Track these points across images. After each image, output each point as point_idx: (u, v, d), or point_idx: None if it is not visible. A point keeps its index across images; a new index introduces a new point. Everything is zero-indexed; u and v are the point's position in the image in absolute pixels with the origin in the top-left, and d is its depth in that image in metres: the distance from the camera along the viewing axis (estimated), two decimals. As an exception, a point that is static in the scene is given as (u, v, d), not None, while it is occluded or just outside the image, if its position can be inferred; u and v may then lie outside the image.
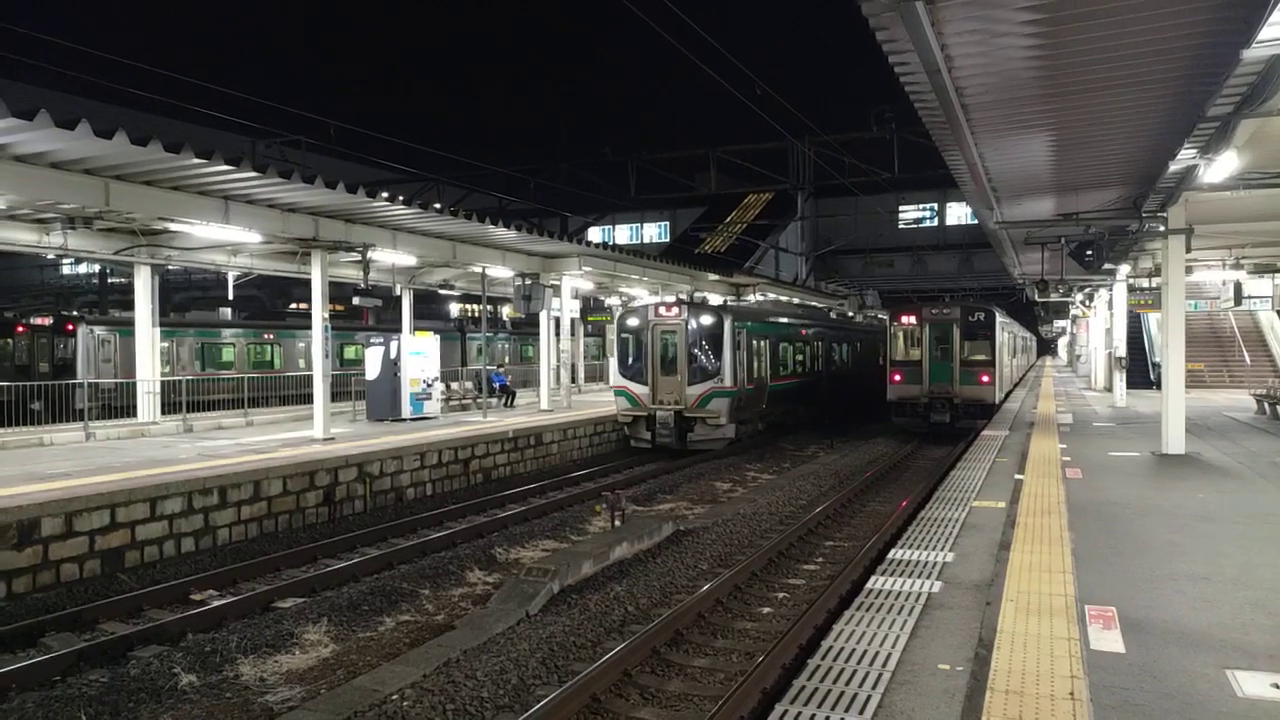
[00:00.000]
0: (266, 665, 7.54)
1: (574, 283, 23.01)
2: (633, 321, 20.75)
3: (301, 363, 28.04)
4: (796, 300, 34.54)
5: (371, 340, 19.95)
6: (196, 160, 10.88)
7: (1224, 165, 9.91)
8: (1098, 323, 33.20)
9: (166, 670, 7.31)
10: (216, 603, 9.22)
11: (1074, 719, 4.27)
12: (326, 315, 15.66)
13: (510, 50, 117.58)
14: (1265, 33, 6.51)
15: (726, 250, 43.38)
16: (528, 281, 21.10)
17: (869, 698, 4.60)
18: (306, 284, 16.39)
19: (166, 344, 23.68)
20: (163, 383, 18.17)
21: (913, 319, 23.70)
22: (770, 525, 12.86)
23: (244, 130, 32.55)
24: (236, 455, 13.49)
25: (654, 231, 56.10)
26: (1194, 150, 10.50)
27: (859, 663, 5.10)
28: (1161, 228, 14.17)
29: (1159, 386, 15.41)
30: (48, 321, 25.41)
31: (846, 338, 31.96)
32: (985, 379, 22.96)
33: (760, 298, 30.82)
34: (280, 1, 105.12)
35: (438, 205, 16.55)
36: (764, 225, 47.24)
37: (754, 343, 21.50)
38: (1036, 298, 31.59)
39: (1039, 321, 62.49)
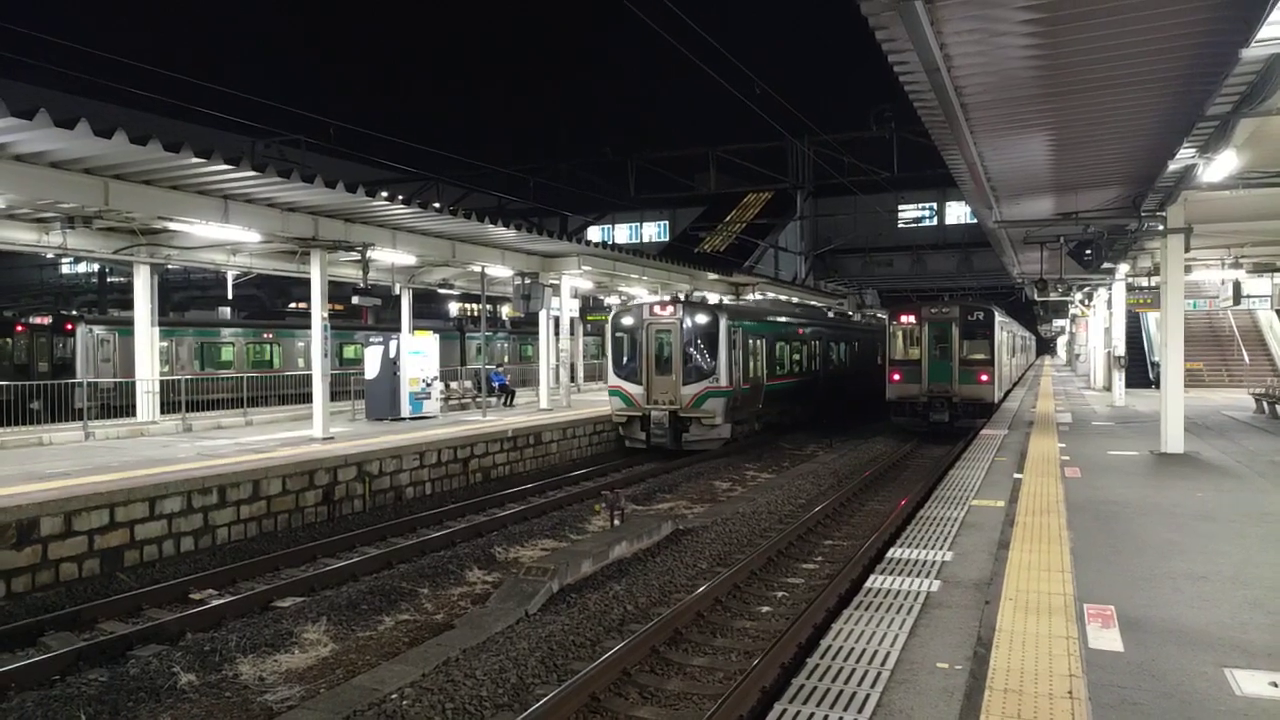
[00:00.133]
0: (266, 664, 7.54)
1: (573, 282, 23.01)
2: (627, 320, 20.58)
3: (301, 362, 28.03)
4: (795, 299, 34.55)
5: (371, 340, 19.95)
6: (196, 159, 10.88)
7: (1223, 164, 9.91)
8: (1097, 322, 33.22)
9: (166, 669, 7.30)
10: (216, 602, 9.22)
11: (1073, 717, 4.27)
12: (326, 315, 15.65)
13: (510, 50, 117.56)
14: (1264, 32, 6.51)
15: (726, 250, 43.38)
16: (527, 281, 21.09)
17: (868, 696, 4.60)
18: (306, 283, 16.39)
19: (165, 343, 23.67)
20: (162, 382, 18.17)
21: (912, 318, 23.69)
22: (769, 524, 12.87)
23: (244, 130, 32.52)
24: (235, 455, 13.49)
25: (653, 231, 56.10)
26: (1193, 149, 10.50)
27: (858, 661, 5.10)
28: (1160, 227, 14.17)
29: (1158, 385, 15.42)
30: (47, 321, 25.38)
31: (844, 337, 31.88)
32: (984, 378, 22.96)
33: (759, 297, 30.82)
34: (280, 1, 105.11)
35: (437, 205, 16.57)
36: (763, 225, 47.24)
37: (750, 342, 21.38)
38: (1035, 297, 31.65)
39: (1038, 321, 62.48)
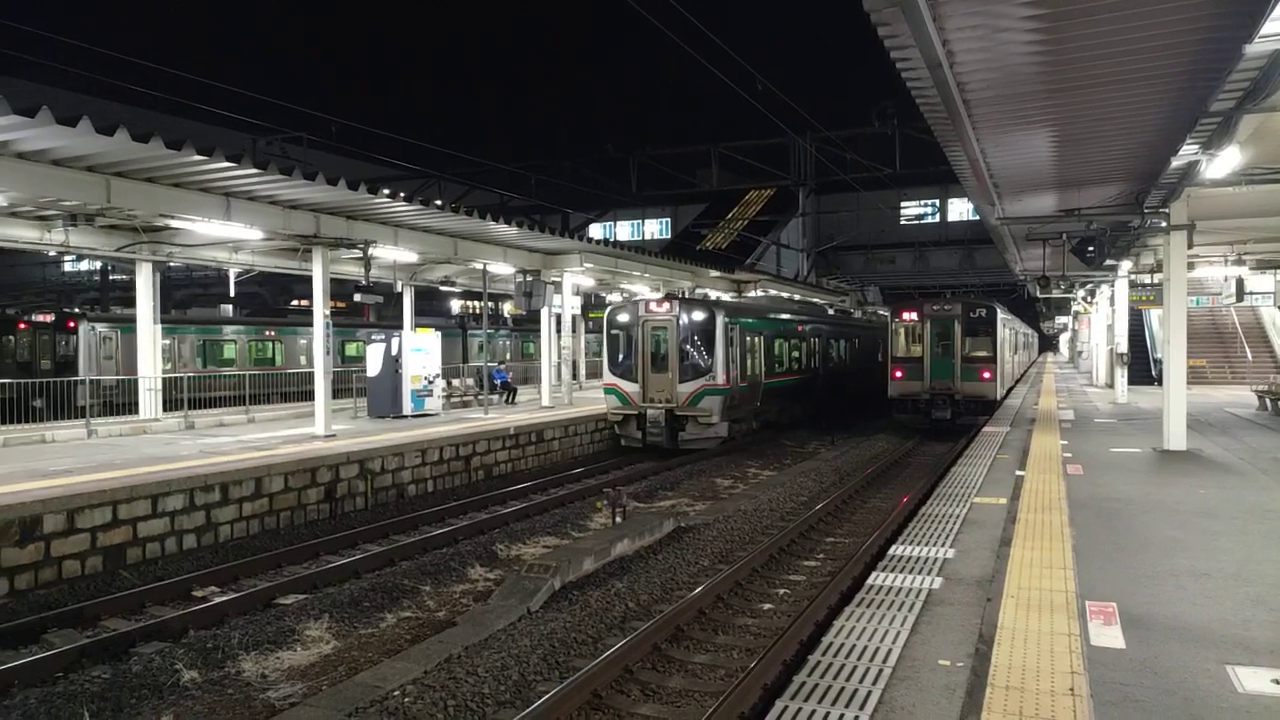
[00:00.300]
0: (268, 661, 7.55)
1: (575, 279, 23.00)
2: (623, 317, 20.33)
3: (303, 360, 28.05)
4: (798, 296, 34.52)
5: (373, 337, 19.95)
6: (198, 157, 10.89)
7: (1226, 161, 9.88)
8: (1099, 319, 33.17)
9: (168, 667, 7.32)
10: (218, 599, 9.24)
11: (1074, 715, 4.27)
12: (328, 312, 15.66)
13: (511, 49, 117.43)
14: (1268, 27, 6.50)
15: (728, 247, 43.37)
16: (529, 278, 21.08)
17: (869, 693, 4.60)
18: (308, 281, 16.40)
19: (168, 341, 23.69)
20: (164, 380, 18.18)
21: (914, 315, 23.64)
22: (771, 522, 12.87)
23: (246, 127, 32.60)
24: (238, 452, 13.50)
25: (655, 228, 56.09)
26: (1196, 146, 10.48)
27: (860, 658, 5.10)
28: (1163, 224, 14.14)
29: (1160, 383, 15.39)
30: (49, 318, 25.40)
31: (844, 334, 31.72)
32: (986, 375, 22.93)
33: (761, 294, 30.79)
34: (281, 1, 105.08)
35: (439, 202, 16.56)
36: (765, 221, 47.24)
37: (747, 339, 21.15)
38: (1038, 294, 31.64)
39: (1041, 318, 62.43)
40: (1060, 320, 62.00)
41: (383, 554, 11.03)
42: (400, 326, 22.17)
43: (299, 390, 23.28)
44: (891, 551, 7.53)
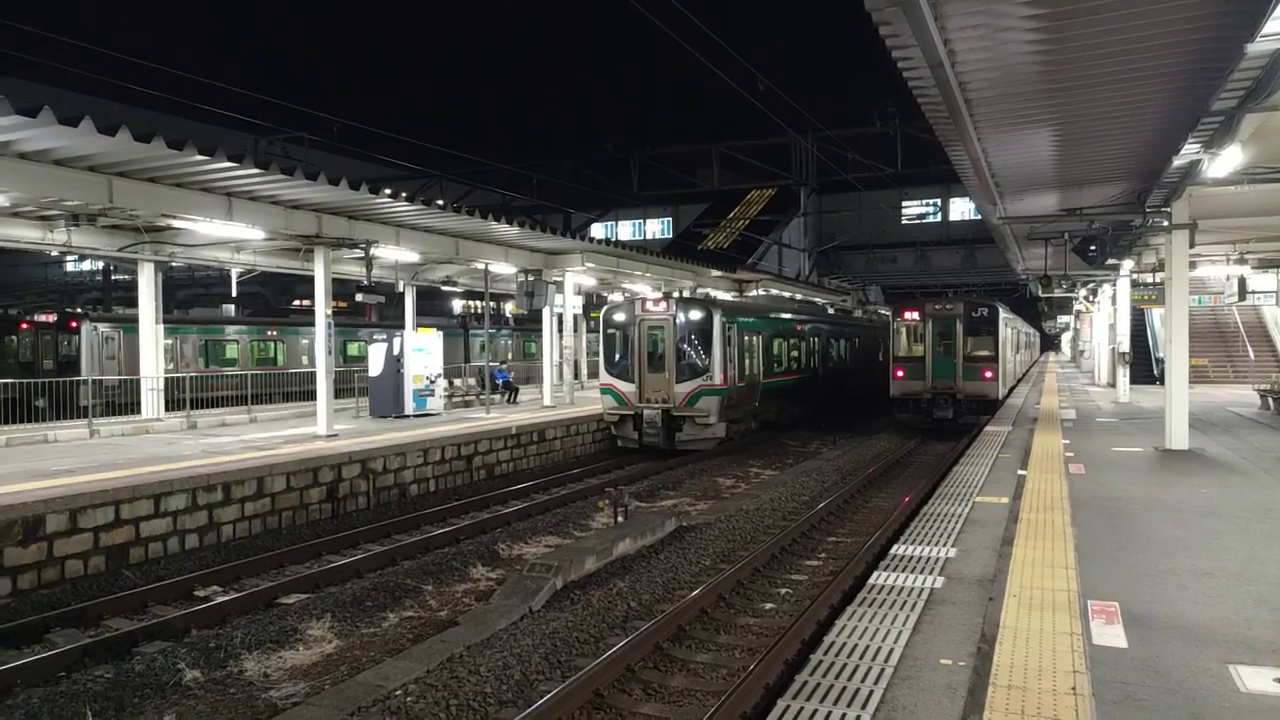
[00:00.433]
0: (270, 661, 7.56)
1: (577, 279, 23.00)
2: (619, 317, 20.11)
3: (305, 359, 28.07)
4: (799, 296, 34.50)
5: (375, 337, 19.97)
6: (199, 157, 10.90)
7: (1228, 160, 9.87)
8: (1101, 318, 33.16)
9: (171, 666, 7.33)
10: (220, 599, 9.25)
11: (1076, 714, 4.27)
12: (330, 312, 15.67)
13: (511, 49, 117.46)
14: (1270, 26, 6.50)
15: (730, 246, 43.39)
16: (530, 278, 21.07)
17: (871, 692, 4.61)
18: (310, 281, 16.43)
19: (170, 341, 23.70)
20: (166, 380, 18.20)
21: (916, 314, 23.62)
22: (773, 521, 12.87)
23: (248, 127, 32.62)
24: (240, 452, 13.52)
25: (657, 227, 56.08)
26: (1198, 145, 10.46)
27: (861, 658, 5.10)
28: (1165, 223, 14.13)
29: (1162, 382, 15.38)
30: (52, 319, 25.42)
31: (844, 333, 31.59)
32: (988, 374, 22.92)
33: (762, 293, 30.78)
34: (282, 1, 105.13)
35: (440, 202, 16.56)
36: (767, 221, 47.27)
37: (745, 339, 20.94)
38: (1040, 293, 31.60)
39: (1042, 317, 62.44)
40: (1062, 319, 62.02)
41: (385, 553, 11.04)
42: (402, 326, 22.18)
43: (301, 390, 23.29)
44: (893, 551, 7.54)
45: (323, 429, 15.70)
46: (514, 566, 10.37)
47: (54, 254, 19.71)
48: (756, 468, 18.64)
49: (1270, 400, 20.35)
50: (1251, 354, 32.94)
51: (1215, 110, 9.18)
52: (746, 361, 21.07)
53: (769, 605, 9.06)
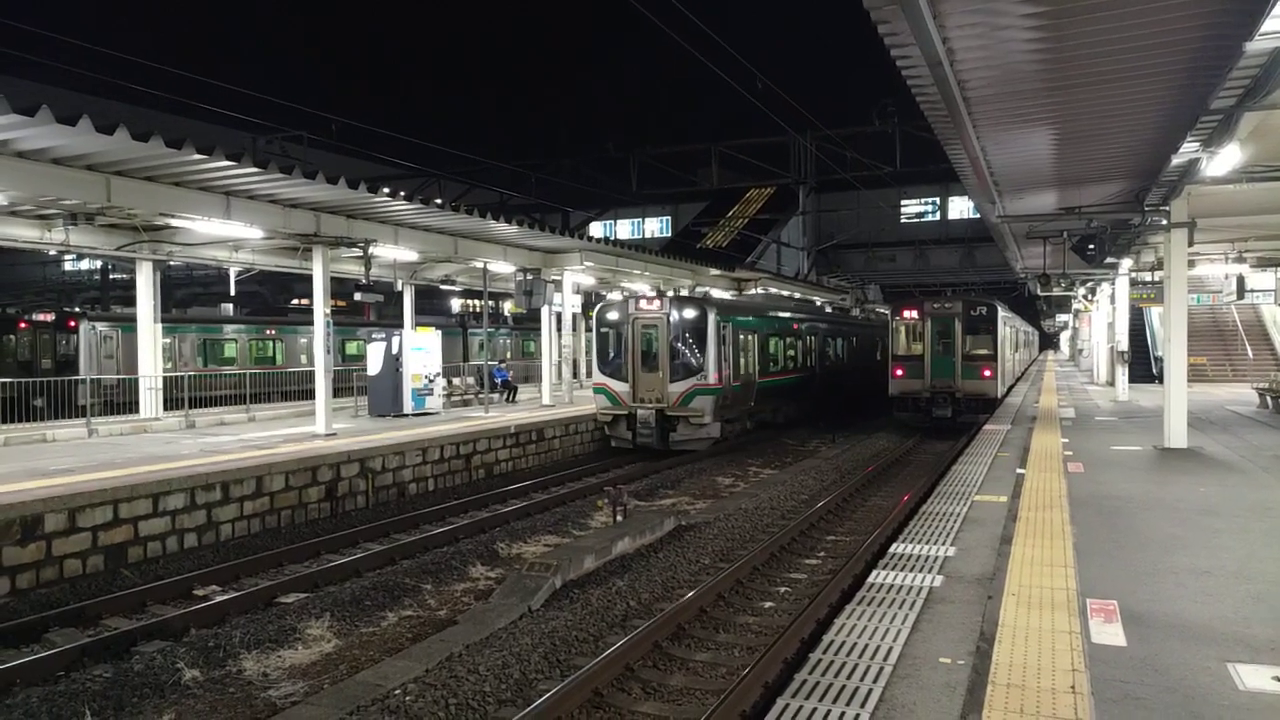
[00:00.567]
0: (269, 660, 7.56)
1: (576, 278, 22.99)
2: (612, 315, 19.88)
3: (304, 358, 28.05)
4: (798, 295, 34.51)
5: (373, 336, 19.95)
6: (197, 156, 10.88)
7: (1227, 158, 9.87)
8: (1100, 317, 33.17)
9: (170, 665, 7.32)
10: (219, 598, 9.24)
11: (1075, 712, 4.27)
12: (328, 311, 15.66)
13: (511, 49, 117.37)
14: (1268, 25, 6.50)
15: (728, 245, 43.37)
16: (529, 277, 21.05)
17: (870, 691, 4.61)
18: (308, 279, 16.40)
19: (168, 340, 23.70)
20: (165, 379, 18.18)
21: (914, 313, 23.61)
22: (772, 520, 12.87)
23: (246, 126, 32.59)
24: (239, 451, 13.51)
25: (656, 226, 56.06)
26: (1196, 143, 10.47)
27: (861, 656, 5.10)
28: (1164, 221, 14.14)
29: (1161, 380, 15.39)
30: (50, 318, 25.40)
31: (841, 332, 31.49)
32: (987, 373, 22.92)
33: (761, 291, 30.77)
34: (281, 1, 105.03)
35: (439, 201, 16.56)
36: (766, 220, 47.25)
37: (740, 337, 20.75)
38: (1039, 292, 31.63)
39: (1041, 316, 62.47)
40: (1061, 318, 62.03)
41: (384, 553, 11.04)
42: (401, 325, 22.15)
43: (300, 389, 23.26)
44: (892, 549, 7.54)
45: (321, 428, 15.69)
46: (513, 565, 10.36)
47: (52, 253, 19.71)
48: (755, 466, 18.63)
49: (1269, 399, 20.37)
50: (1250, 353, 32.97)
51: (1214, 109, 9.19)
52: (742, 361, 20.88)
53: (768, 604, 9.06)
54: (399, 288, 21.90)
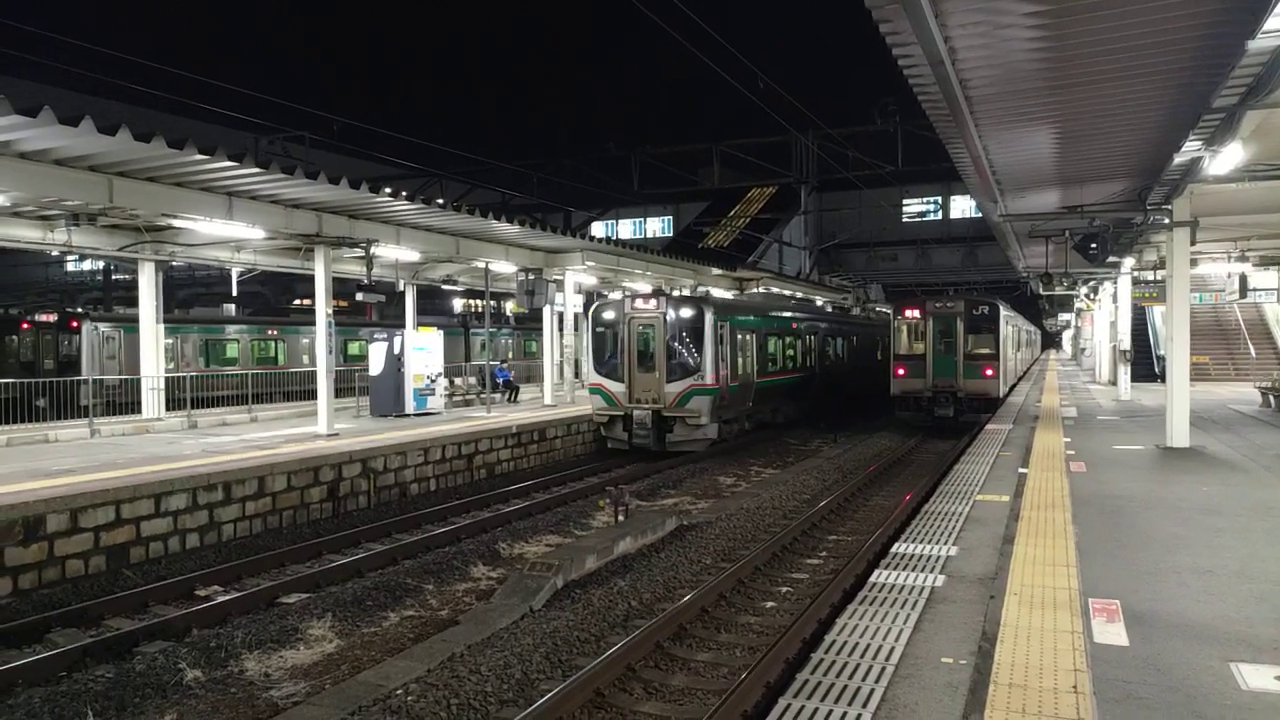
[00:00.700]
0: (271, 660, 7.56)
1: (577, 278, 23.00)
2: (608, 314, 19.64)
3: (305, 359, 28.06)
4: (799, 294, 34.48)
5: (375, 336, 19.96)
6: (199, 156, 10.89)
7: (1229, 157, 9.85)
8: (1102, 316, 33.14)
9: (172, 666, 7.33)
10: (221, 598, 9.25)
11: (1077, 712, 4.27)
12: (330, 311, 15.67)
13: (511, 49, 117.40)
14: (1271, 23, 6.49)
15: (730, 245, 43.35)
16: (531, 277, 21.05)
17: (872, 691, 4.60)
18: (310, 280, 16.43)
19: (170, 340, 23.71)
20: (167, 379, 18.20)
21: (916, 312, 23.58)
22: (774, 520, 12.86)
23: (248, 126, 32.61)
24: (241, 451, 13.52)
25: (657, 226, 56.04)
26: (1199, 142, 10.45)
27: (862, 656, 5.10)
28: (1166, 220, 14.11)
29: (1163, 380, 15.37)
30: (52, 318, 25.42)
31: (841, 331, 31.32)
32: (989, 373, 22.89)
33: (761, 290, 30.75)
34: (282, 1, 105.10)
35: (441, 201, 16.56)
36: (767, 219, 47.21)
37: (738, 337, 20.51)
38: (1041, 291, 31.57)
39: (1043, 315, 62.41)
40: (1063, 317, 61.99)
41: (385, 553, 11.05)
42: (402, 325, 22.18)
43: (302, 389, 23.29)
44: (894, 549, 7.53)
45: (323, 428, 15.70)
46: (515, 565, 10.36)
47: (54, 254, 19.71)
48: (757, 466, 18.62)
49: (1271, 398, 20.33)
50: (1253, 351, 32.91)
51: (1216, 107, 9.17)
52: (740, 360, 20.65)
53: (770, 604, 9.06)
54: (401, 288, 21.91)
